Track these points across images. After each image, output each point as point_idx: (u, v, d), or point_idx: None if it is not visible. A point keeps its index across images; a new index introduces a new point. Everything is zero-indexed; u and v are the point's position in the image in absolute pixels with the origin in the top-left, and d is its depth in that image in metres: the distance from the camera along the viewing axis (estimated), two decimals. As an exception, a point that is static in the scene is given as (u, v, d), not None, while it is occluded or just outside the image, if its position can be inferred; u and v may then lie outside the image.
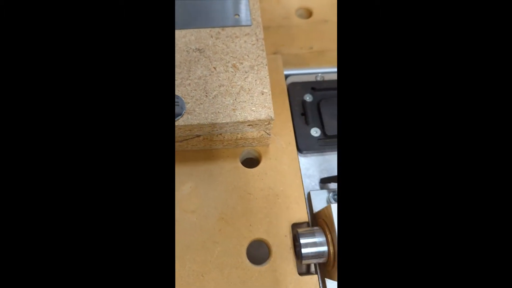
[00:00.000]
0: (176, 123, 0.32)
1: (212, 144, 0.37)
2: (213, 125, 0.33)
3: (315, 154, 0.42)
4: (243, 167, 0.38)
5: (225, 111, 0.33)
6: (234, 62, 0.36)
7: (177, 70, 0.35)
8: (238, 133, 0.36)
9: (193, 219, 0.34)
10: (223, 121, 0.33)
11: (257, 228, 0.34)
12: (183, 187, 0.36)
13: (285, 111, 0.42)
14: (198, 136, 0.35)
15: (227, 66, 0.36)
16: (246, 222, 0.34)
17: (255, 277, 0.32)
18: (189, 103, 0.33)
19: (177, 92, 0.34)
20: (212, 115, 0.33)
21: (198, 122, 0.32)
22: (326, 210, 0.31)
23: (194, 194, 0.36)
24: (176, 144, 0.36)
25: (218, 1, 0.41)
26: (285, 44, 0.47)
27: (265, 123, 0.34)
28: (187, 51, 0.37)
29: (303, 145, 0.41)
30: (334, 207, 0.30)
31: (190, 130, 0.34)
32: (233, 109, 0.33)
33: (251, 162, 0.40)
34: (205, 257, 0.33)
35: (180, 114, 0.32)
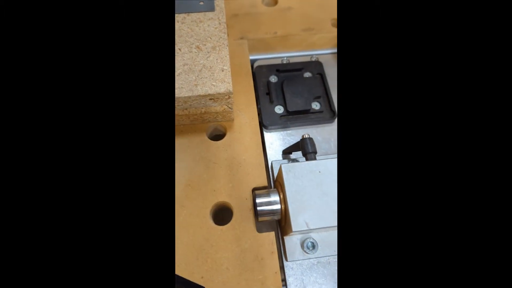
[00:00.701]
0: (143, 98, 0.36)
1: (179, 120, 0.40)
2: (177, 99, 0.36)
3: (279, 129, 0.45)
4: (210, 140, 0.41)
5: (188, 86, 0.36)
6: (198, 44, 0.39)
7: (145, 51, 0.39)
8: (202, 108, 0.39)
9: (162, 186, 0.38)
10: (185, 95, 0.36)
11: (220, 193, 0.38)
12: (153, 159, 0.39)
13: (249, 90, 0.45)
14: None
15: (191, 48, 0.39)
16: (211, 188, 0.38)
17: (217, 235, 0.35)
18: (155, 80, 0.37)
19: (144, 71, 0.37)
20: (177, 90, 0.36)
21: (163, 96, 0.36)
22: (279, 172, 0.34)
23: (163, 165, 0.39)
24: (147, 120, 0.40)
25: (185, -10, 0.44)
26: (252, 30, 0.51)
27: (225, 96, 0.37)
28: (155, 35, 0.40)
29: (268, 121, 0.45)
30: (285, 167, 0.33)
31: (157, 105, 0.37)
32: (195, 84, 0.36)
33: (218, 138, 0.44)
34: (173, 219, 0.36)
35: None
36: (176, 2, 0.43)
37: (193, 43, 0.39)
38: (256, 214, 0.34)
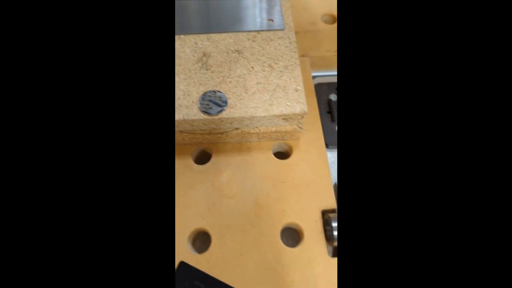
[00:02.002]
0: (220, 116, 0.36)
1: (248, 137, 0.41)
2: (252, 118, 0.36)
3: (341, 149, 0.45)
4: (276, 158, 0.41)
5: (263, 106, 0.36)
6: (270, 62, 0.40)
7: (218, 69, 0.39)
8: (273, 127, 0.39)
9: (232, 204, 0.38)
10: (261, 115, 0.36)
11: (289, 214, 0.37)
12: (222, 175, 0.40)
13: (313, 109, 0.45)
14: (237, 129, 0.39)
15: (263, 66, 0.39)
16: (280, 208, 0.38)
17: (288, 256, 0.35)
18: (230, 98, 0.37)
19: (220, 89, 0.37)
20: (252, 109, 0.36)
21: (240, 115, 0.36)
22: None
23: (232, 181, 0.39)
24: (216, 136, 0.40)
25: (254, 8, 0.45)
26: (312, 47, 0.51)
27: (299, 117, 0.37)
28: (227, 52, 0.40)
29: (330, 140, 0.44)
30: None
31: (230, 123, 0.37)
32: (270, 104, 0.37)
33: (281, 156, 0.44)
34: (243, 238, 0.36)
35: (222, 108, 0.36)
36: (246, 20, 0.44)
37: (265, 62, 0.40)
38: (333, 238, 0.34)
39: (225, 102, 0.36)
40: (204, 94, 0.37)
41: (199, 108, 0.36)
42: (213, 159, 0.41)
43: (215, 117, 0.36)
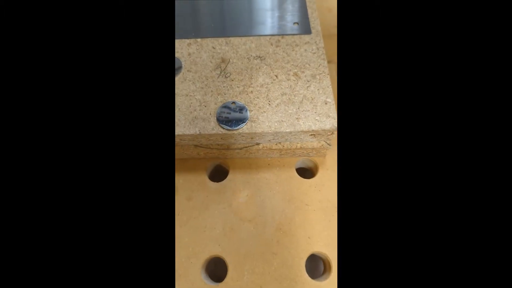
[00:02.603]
0: (240, 131, 0.32)
1: (269, 153, 0.37)
2: (275, 133, 0.32)
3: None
4: (300, 177, 0.37)
5: (288, 120, 0.32)
6: (296, 70, 0.36)
7: (239, 77, 0.35)
8: (298, 143, 0.35)
9: (251, 228, 0.34)
10: (286, 130, 0.32)
11: (316, 241, 0.33)
12: (240, 195, 0.36)
13: (340, 121, 0.41)
14: (258, 144, 0.35)
15: (288, 75, 0.35)
16: (305, 234, 0.34)
17: (315, 292, 0.31)
18: (252, 110, 0.33)
19: (239, 99, 0.34)
20: (276, 124, 0.32)
21: (262, 130, 0.32)
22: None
23: (251, 203, 0.35)
24: (235, 152, 0.36)
25: (277, 10, 0.41)
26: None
27: (328, 133, 0.33)
28: (248, 58, 0.37)
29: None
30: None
31: (252, 138, 0.33)
32: (297, 118, 0.33)
33: (304, 173, 0.40)
34: (263, 268, 0.32)
35: (243, 122, 0.32)
36: (269, 22, 0.40)
37: (290, 70, 0.36)
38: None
39: (246, 114, 0.33)
40: (223, 105, 0.33)
41: (217, 121, 0.32)
42: (230, 176, 0.37)
43: (235, 132, 0.32)
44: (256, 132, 0.32)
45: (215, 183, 0.37)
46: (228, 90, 0.34)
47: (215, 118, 0.33)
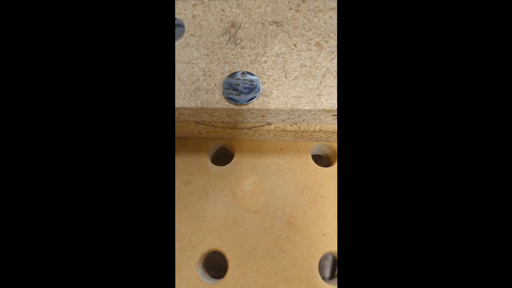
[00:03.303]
0: (249, 106, 0.27)
1: (283, 135, 0.32)
2: (292, 111, 0.28)
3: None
4: (316, 164, 0.32)
5: (308, 96, 0.27)
6: (318, 39, 0.30)
7: (251, 44, 0.30)
8: (316, 124, 0.30)
9: (257, 221, 0.29)
10: (305, 108, 0.27)
11: (332, 239, 0.29)
12: (245, 182, 0.31)
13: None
14: (270, 124, 0.30)
15: (309, 44, 0.30)
16: (319, 231, 0.29)
17: (329, 298, 0.27)
18: (265, 83, 0.28)
19: (251, 70, 0.29)
20: (293, 100, 0.27)
21: (276, 106, 0.27)
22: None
23: (258, 191, 0.31)
24: (242, 132, 0.31)
25: (298, -30, 0.35)
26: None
27: (354, 114, 0.28)
28: (262, 23, 0.31)
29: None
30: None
31: (263, 116, 0.28)
32: (318, 95, 0.28)
33: (320, 159, 0.35)
34: (269, 267, 0.28)
35: (254, 96, 0.27)
36: (288, -16, 0.34)
37: (312, 39, 0.30)
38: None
39: (258, 88, 0.28)
40: (231, 76, 0.28)
41: (223, 94, 0.27)
42: (235, 160, 0.32)
43: (244, 107, 0.27)
44: (268, 109, 0.27)
45: (218, 167, 0.32)
46: (237, 58, 0.29)
47: (221, 90, 0.28)
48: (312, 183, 0.31)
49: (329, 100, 0.27)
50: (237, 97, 0.27)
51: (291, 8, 0.32)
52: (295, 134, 0.31)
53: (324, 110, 0.27)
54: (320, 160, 0.35)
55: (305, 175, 0.31)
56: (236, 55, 0.29)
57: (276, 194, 0.30)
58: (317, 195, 0.30)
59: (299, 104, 0.27)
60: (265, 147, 0.33)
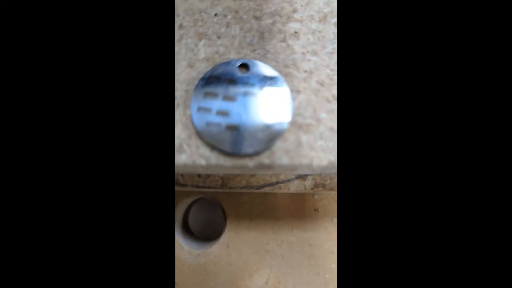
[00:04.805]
0: (266, 160, 0.11)
1: (316, 191, 0.16)
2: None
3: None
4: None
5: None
6: None
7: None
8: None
9: None
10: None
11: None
12: (251, 283, 0.16)
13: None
14: (303, 177, 0.14)
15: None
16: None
17: None
18: (300, 92, 0.12)
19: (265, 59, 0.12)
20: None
21: (329, 160, 0.11)
22: None
23: (276, 303, 0.16)
24: (241, 191, 0.16)
25: None
26: None
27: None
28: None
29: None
30: None
31: (292, 170, 0.13)
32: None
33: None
34: None
35: (275, 136, 0.11)
36: None
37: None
38: None
39: (287, 117, 0.11)
40: (211, 75, 0.11)
41: (198, 133, 0.11)
42: (228, 235, 0.17)
43: (249, 162, 0.11)
44: (309, 162, 0.11)
45: (196, 250, 0.16)
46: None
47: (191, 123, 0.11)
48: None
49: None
50: (233, 143, 0.11)
51: None
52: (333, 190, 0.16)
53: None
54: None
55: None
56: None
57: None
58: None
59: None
60: (283, 206, 0.17)
